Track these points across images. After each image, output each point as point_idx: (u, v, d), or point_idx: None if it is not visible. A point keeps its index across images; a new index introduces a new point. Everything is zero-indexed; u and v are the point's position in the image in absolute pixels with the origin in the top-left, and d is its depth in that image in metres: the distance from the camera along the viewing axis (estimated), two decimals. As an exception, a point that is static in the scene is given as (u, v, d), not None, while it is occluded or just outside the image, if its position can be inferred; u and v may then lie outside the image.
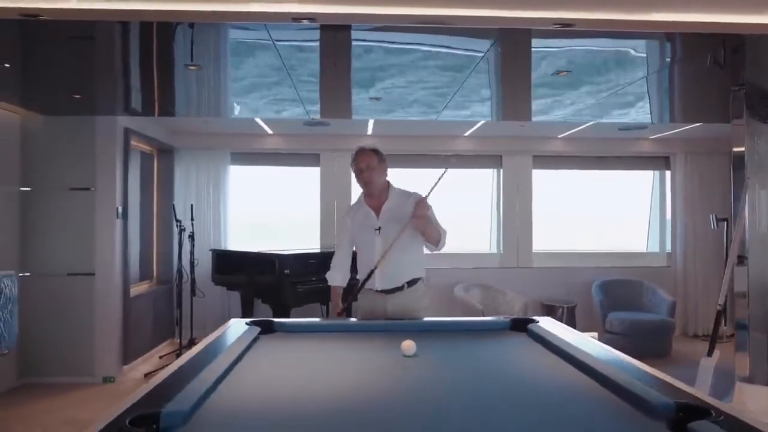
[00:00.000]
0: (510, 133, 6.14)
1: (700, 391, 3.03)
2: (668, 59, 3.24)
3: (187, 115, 5.27)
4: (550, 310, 5.90)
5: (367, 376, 1.82)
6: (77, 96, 4.17)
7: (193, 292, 5.51)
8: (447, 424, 1.40)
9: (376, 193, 2.99)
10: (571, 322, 5.82)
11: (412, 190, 3.04)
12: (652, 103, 4.51)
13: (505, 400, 1.59)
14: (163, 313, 5.72)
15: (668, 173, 6.65)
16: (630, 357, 1.91)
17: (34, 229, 4.61)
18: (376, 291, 2.91)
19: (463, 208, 6.86)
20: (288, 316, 4.74)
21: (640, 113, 4.83)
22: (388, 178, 3.05)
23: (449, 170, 3.00)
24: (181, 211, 5.68)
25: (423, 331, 2.47)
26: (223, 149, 6.28)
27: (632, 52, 3.07)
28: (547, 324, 2.49)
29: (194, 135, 6.17)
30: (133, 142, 5.31)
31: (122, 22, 2.63)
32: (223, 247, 6.17)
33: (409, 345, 2.04)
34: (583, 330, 5.93)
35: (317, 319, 2.79)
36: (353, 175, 3.05)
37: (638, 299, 5.98)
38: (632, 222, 7.03)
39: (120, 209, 4.78)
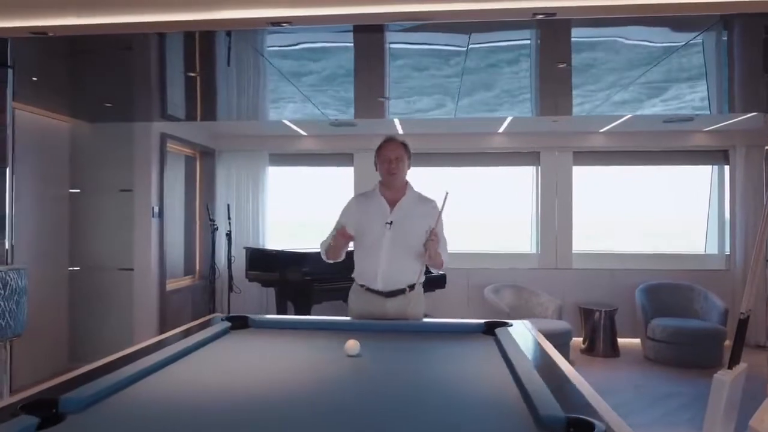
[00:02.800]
0: (546, 128, 5.90)
1: (714, 407, 2.79)
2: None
3: (228, 119, 5.48)
4: (587, 314, 5.62)
5: (297, 375, 1.84)
6: (118, 105, 4.51)
7: (230, 288, 5.78)
8: (339, 421, 1.39)
9: (396, 187, 2.84)
10: (611, 327, 5.50)
11: (428, 193, 2.93)
12: (710, 91, 4.13)
13: (415, 403, 1.55)
14: (203, 306, 6.02)
15: (727, 168, 6.10)
16: (573, 370, 1.77)
17: (81, 228, 5.04)
18: (375, 292, 2.78)
19: (500, 207, 6.69)
20: (308, 313, 4.85)
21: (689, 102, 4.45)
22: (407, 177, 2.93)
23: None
24: (223, 211, 5.97)
25: (393, 332, 2.46)
26: (261, 151, 6.52)
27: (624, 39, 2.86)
28: (518, 328, 2.38)
29: (234, 138, 6.46)
30: (177, 147, 5.67)
31: (140, 34, 2.78)
32: (261, 246, 6.42)
33: (352, 345, 2.03)
34: (624, 336, 5.63)
35: (294, 317, 2.81)
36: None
37: (687, 305, 5.54)
38: (689, 221, 6.53)
39: (156, 209, 5.10)
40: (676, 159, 6.18)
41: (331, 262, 2.91)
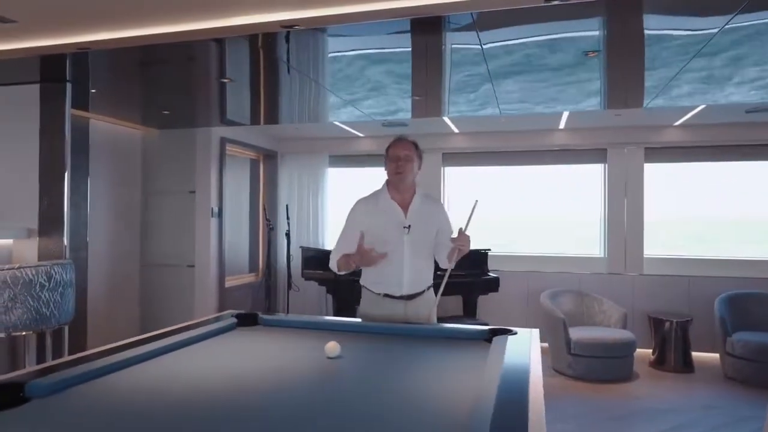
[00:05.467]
0: (613, 123, 5.49)
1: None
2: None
3: (290, 122, 5.61)
4: (657, 324, 5.15)
5: (266, 374, 1.86)
6: (180, 113, 4.85)
7: (289, 286, 5.97)
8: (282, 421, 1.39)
9: (404, 189, 2.77)
10: (683, 340, 5.01)
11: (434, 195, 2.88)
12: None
13: (356, 411, 1.50)
14: (261, 302, 6.27)
15: (834, 163, 5.32)
16: (540, 392, 1.56)
17: (151, 226, 5.45)
18: (396, 298, 2.72)
19: (566, 207, 6.33)
20: (352, 311, 4.88)
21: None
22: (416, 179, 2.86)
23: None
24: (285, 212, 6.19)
25: (392, 335, 2.42)
26: (321, 153, 6.68)
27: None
28: (519, 337, 2.22)
29: (295, 140, 6.67)
30: (240, 150, 5.99)
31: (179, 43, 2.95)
32: (321, 246, 6.57)
33: (332, 347, 2.01)
34: (701, 350, 5.08)
35: (303, 317, 2.82)
36: (397, 168, 2.69)
37: (778, 318, 4.89)
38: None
39: (215, 209, 5.40)
40: (765, 153, 5.48)
41: (343, 273, 2.85)
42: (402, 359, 2.06)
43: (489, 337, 2.31)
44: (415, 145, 2.79)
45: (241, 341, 2.32)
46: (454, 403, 1.54)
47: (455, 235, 2.64)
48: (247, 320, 2.60)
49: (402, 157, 2.72)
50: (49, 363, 1.80)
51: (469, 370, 1.87)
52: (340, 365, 1.95)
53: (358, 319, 2.75)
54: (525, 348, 2.05)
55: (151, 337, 2.22)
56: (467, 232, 2.67)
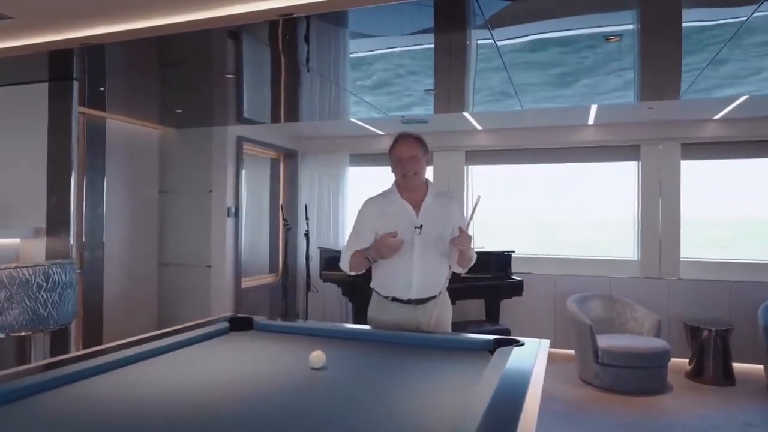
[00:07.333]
0: (647, 118, 5.16)
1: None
2: None
3: (311, 119, 5.49)
4: (694, 333, 4.80)
5: (254, 383, 1.72)
6: (196, 112, 4.80)
7: (308, 287, 5.86)
8: None
9: (415, 188, 2.61)
10: (723, 349, 4.65)
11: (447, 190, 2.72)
12: None
13: (331, 425, 1.35)
14: (280, 304, 6.19)
15: None
16: (535, 411, 1.36)
17: (169, 226, 5.43)
18: (405, 302, 2.56)
19: (597, 207, 6.01)
20: (365, 314, 4.72)
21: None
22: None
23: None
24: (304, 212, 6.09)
25: (388, 343, 2.26)
26: (341, 152, 6.55)
27: None
28: (526, 349, 2.02)
29: (315, 139, 6.57)
30: (260, 150, 5.93)
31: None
32: (340, 246, 6.43)
33: (316, 357, 1.86)
34: (743, 361, 4.71)
35: (300, 322, 2.68)
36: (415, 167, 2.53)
37: (831, 328, 4.47)
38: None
39: (232, 209, 5.33)
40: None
41: (353, 274, 2.71)
42: (392, 371, 1.90)
43: (493, 347, 2.11)
44: (420, 141, 2.61)
45: (229, 347, 2.20)
46: (438, 420, 1.36)
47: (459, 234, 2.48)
48: (240, 324, 2.48)
49: (407, 158, 2.55)
50: (14, 369, 1.70)
51: (462, 385, 1.68)
52: (324, 376, 1.79)
53: (356, 326, 2.61)
54: (529, 361, 1.85)
55: (135, 341, 2.11)
56: (469, 231, 2.53)
